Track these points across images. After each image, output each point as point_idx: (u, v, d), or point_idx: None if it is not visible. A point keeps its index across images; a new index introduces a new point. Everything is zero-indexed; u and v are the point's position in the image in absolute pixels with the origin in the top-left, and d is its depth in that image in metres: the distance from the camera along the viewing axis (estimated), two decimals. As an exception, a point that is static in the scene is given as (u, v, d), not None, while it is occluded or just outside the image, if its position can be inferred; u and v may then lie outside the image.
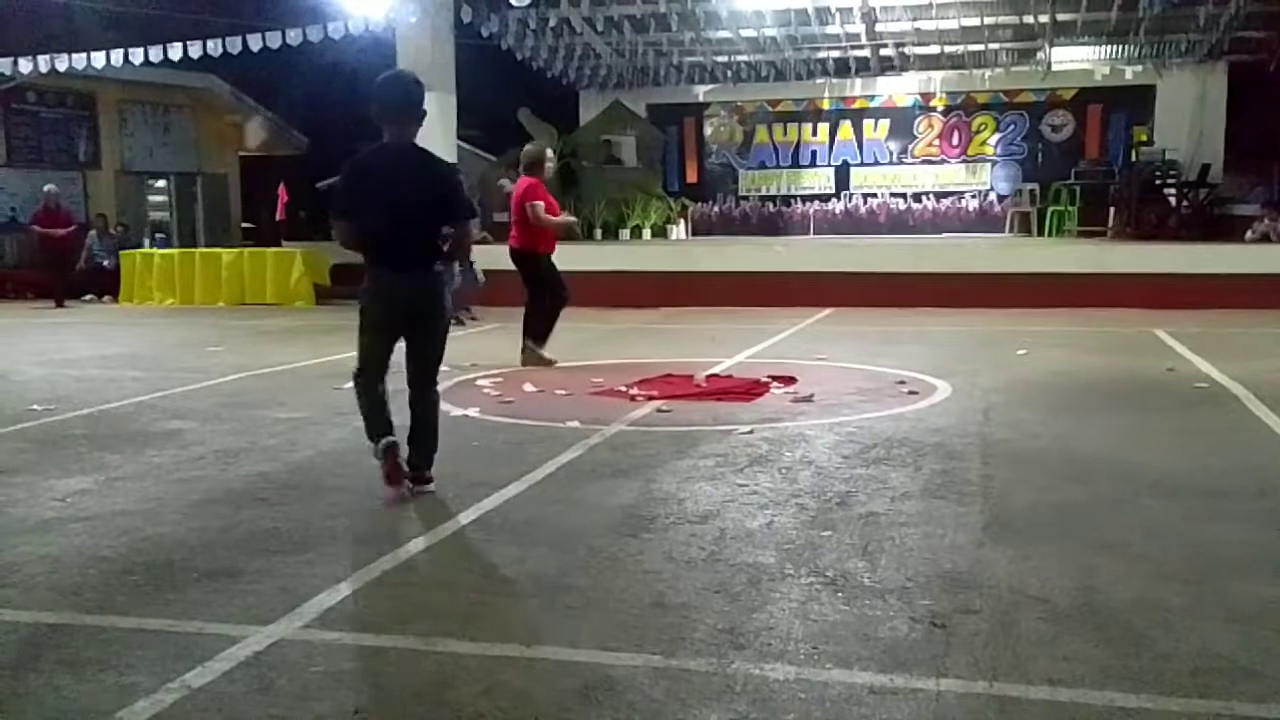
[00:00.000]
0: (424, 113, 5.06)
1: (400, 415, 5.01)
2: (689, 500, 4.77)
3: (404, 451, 4.93)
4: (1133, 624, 3.32)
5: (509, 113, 19.19)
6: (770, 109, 21.80)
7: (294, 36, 14.40)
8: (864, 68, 20.28)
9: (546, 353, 9.05)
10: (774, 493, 4.88)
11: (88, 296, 16.99)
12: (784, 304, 13.66)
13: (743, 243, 18.57)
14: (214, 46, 14.43)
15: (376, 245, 4.88)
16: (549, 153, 9.41)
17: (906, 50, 19.46)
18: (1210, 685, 2.89)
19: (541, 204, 8.92)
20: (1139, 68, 19.52)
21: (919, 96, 20.96)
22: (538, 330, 9.09)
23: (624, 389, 7.65)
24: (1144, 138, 19.28)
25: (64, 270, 16.55)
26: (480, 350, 10.15)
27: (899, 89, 20.91)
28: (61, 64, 15.24)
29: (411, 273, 4.87)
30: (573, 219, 9.32)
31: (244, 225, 22.34)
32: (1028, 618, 3.38)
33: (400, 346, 5.00)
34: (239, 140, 22.07)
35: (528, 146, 9.61)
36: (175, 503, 4.87)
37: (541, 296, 9.10)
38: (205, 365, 9.28)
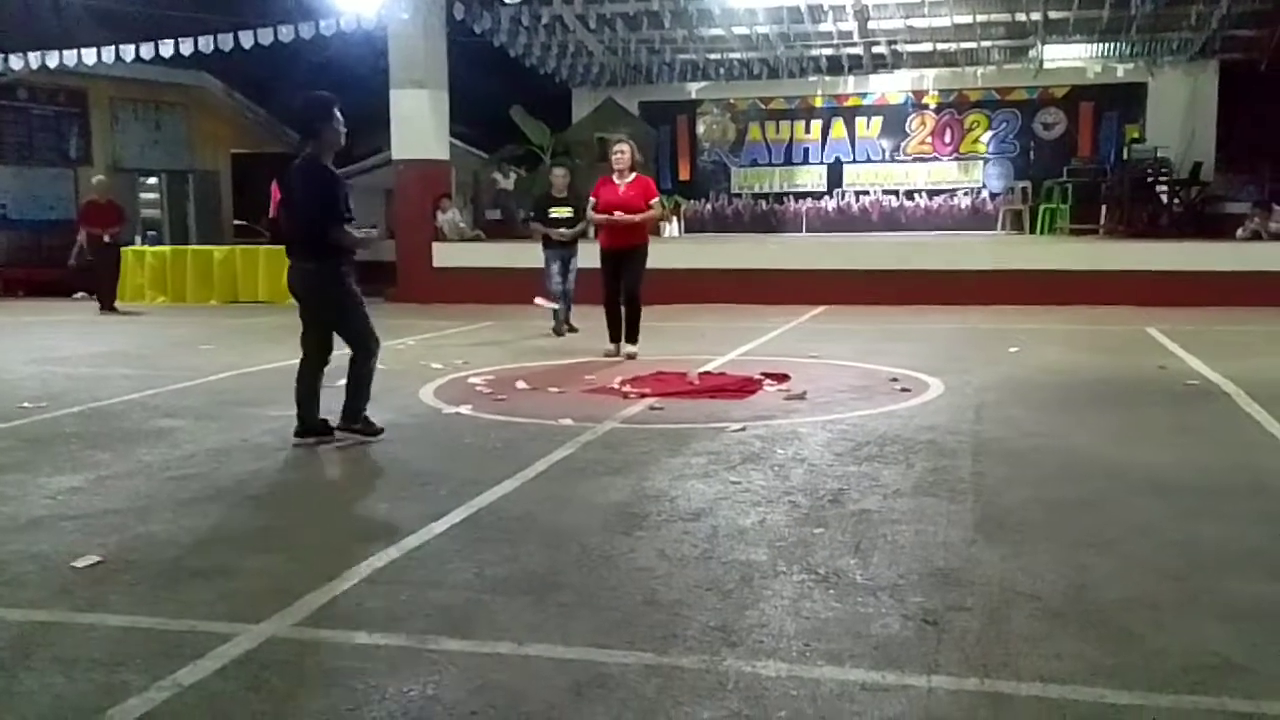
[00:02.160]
0: (317, 130, 5.79)
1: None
2: (681, 498, 4.78)
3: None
4: (1124, 621, 3.33)
5: (502, 110, 19.16)
6: (763, 106, 21.81)
7: (286, 34, 14.38)
8: (856, 65, 20.29)
9: (612, 345, 9.40)
10: (766, 490, 4.88)
11: (79, 294, 16.93)
12: (777, 301, 13.68)
13: (735, 240, 18.58)
14: (206, 44, 14.42)
15: (286, 242, 5.98)
16: (617, 147, 9.45)
17: (899, 48, 19.48)
18: (1201, 682, 2.90)
19: (594, 200, 9.30)
20: (1131, 66, 19.58)
21: (911, 94, 20.99)
22: (610, 332, 9.45)
23: (617, 386, 7.66)
24: (1136, 136, 19.35)
25: (114, 271, 15.12)
26: (473, 348, 10.15)
27: (891, 86, 20.94)
28: (53, 61, 15.19)
29: (301, 265, 5.82)
30: (600, 217, 9.39)
31: (236, 223, 22.27)
32: (1019, 615, 3.38)
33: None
34: (231, 138, 22.01)
35: None
36: (166, 501, 4.86)
37: (609, 290, 9.40)
38: (197, 363, 9.27)
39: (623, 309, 9.40)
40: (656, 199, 9.49)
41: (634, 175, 9.37)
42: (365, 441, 5.92)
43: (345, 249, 5.84)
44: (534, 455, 5.57)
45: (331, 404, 6.02)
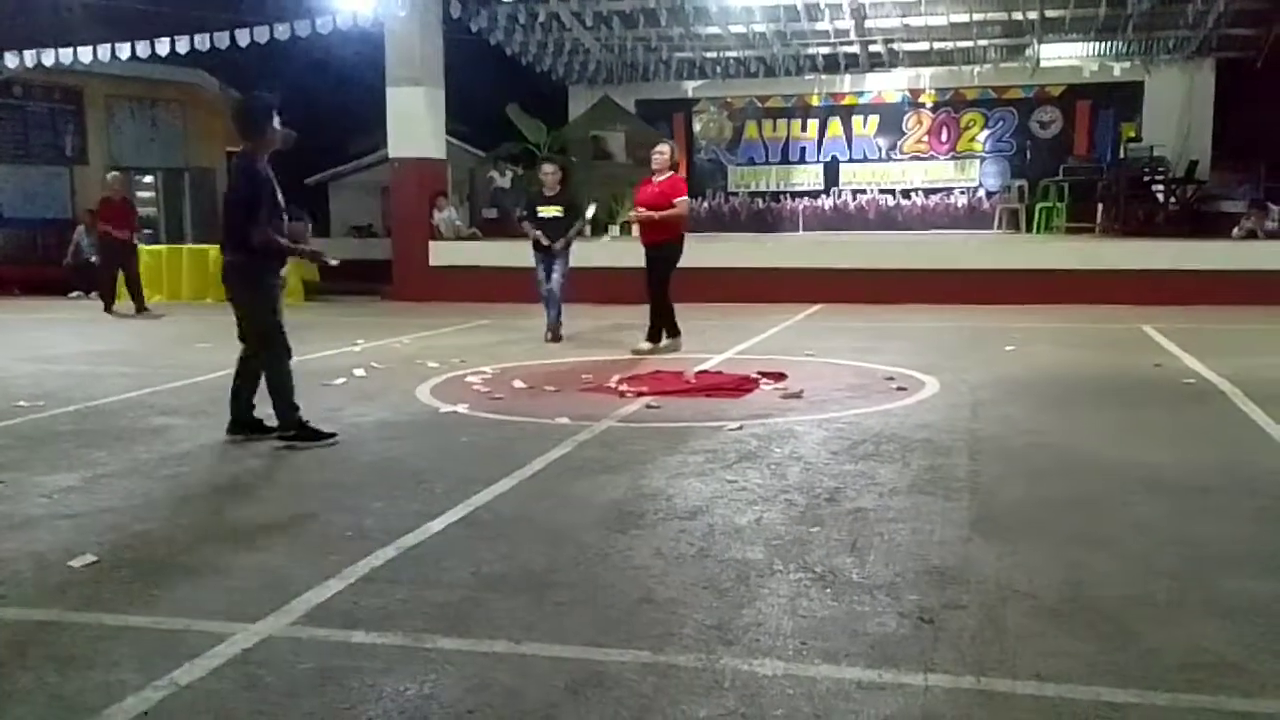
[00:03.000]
0: (254, 131, 5.98)
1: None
2: (678, 496, 4.78)
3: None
4: (1120, 619, 3.33)
5: (498, 108, 19.17)
6: (760, 105, 21.80)
7: (282, 32, 14.36)
8: (853, 64, 20.29)
9: (648, 344, 9.57)
10: (763, 488, 4.89)
11: (75, 293, 16.90)
12: (773, 300, 13.68)
13: (732, 239, 18.56)
14: (202, 42, 14.39)
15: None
16: (656, 147, 9.81)
17: (896, 46, 19.48)
18: (1198, 680, 2.90)
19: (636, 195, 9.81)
20: (1127, 64, 19.59)
21: (908, 93, 20.98)
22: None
23: (613, 385, 7.65)
24: (1132, 134, 19.36)
25: (117, 271, 14.42)
26: (471, 346, 10.13)
27: (888, 85, 20.93)
28: (49, 58, 15.15)
29: (227, 259, 6.00)
30: (632, 213, 9.87)
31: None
32: (1015, 613, 3.39)
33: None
34: (227, 135, 21.98)
35: None
36: (162, 499, 4.86)
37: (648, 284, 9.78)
38: (193, 361, 9.26)
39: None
40: (681, 198, 9.61)
41: (668, 174, 9.62)
42: (301, 446, 5.83)
43: (271, 251, 5.87)
44: (531, 454, 5.57)
45: (334, 401, 6.01)
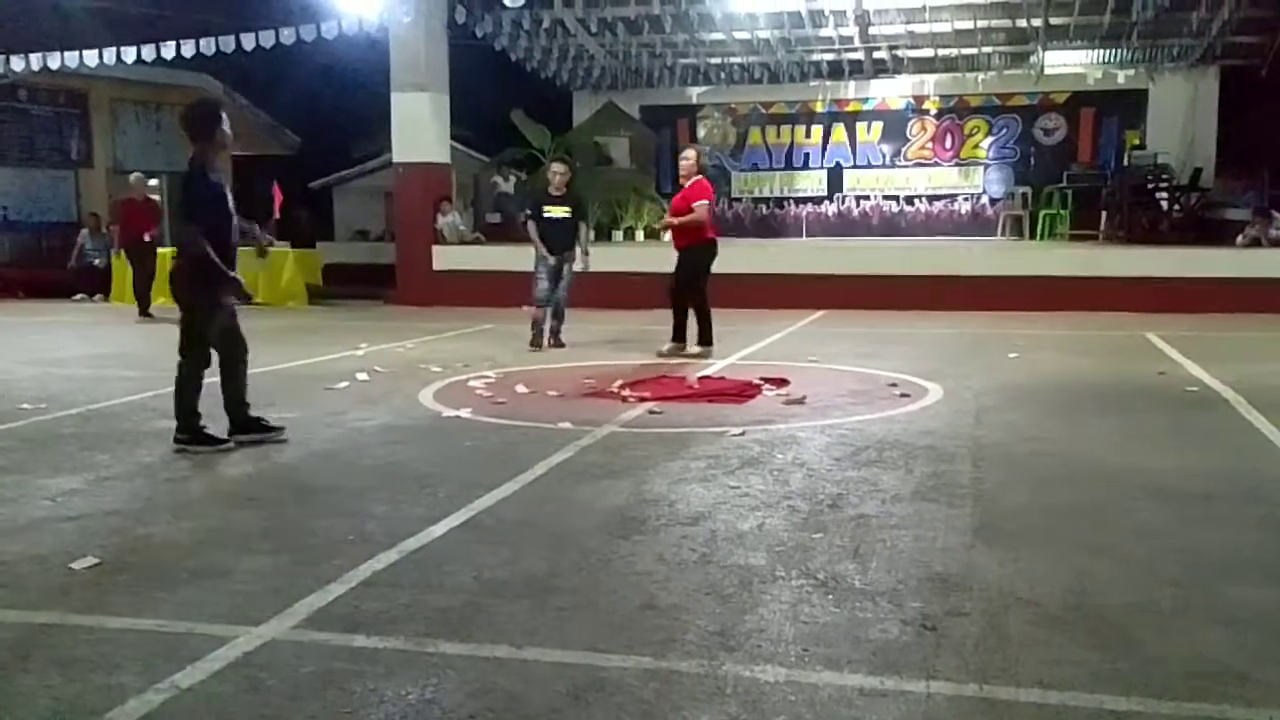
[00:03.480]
0: (201, 136, 5.92)
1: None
2: (680, 502, 4.77)
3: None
4: (1123, 627, 3.32)
5: (502, 114, 19.20)
6: (764, 111, 21.82)
7: (287, 36, 14.40)
8: (857, 70, 20.32)
9: (689, 346, 9.74)
10: (765, 495, 4.88)
11: (79, 296, 16.93)
12: (776, 306, 13.68)
13: (736, 244, 18.54)
14: (207, 45, 14.43)
15: None
16: (682, 154, 10.05)
17: (900, 53, 19.50)
18: (1202, 689, 2.90)
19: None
20: (1131, 72, 19.58)
21: (912, 99, 21.01)
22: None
23: (616, 390, 7.65)
24: (1136, 142, 19.35)
25: (148, 273, 13.89)
26: (474, 351, 10.14)
27: (892, 92, 20.96)
28: (54, 62, 15.20)
29: (175, 260, 6.08)
30: (662, 222, 10.35)
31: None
32: (1018, 620, 3.38)
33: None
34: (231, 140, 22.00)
35: None
36: (165, 502, 4.86)
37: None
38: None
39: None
40: (699, 201, 9.63)
41: (694, 179, 9.70)
42: (195, 451, 5.84)
43: (196, 260, 5.78)
44: (533, 459, 5.57)
45: (338, 405, 6.01)
